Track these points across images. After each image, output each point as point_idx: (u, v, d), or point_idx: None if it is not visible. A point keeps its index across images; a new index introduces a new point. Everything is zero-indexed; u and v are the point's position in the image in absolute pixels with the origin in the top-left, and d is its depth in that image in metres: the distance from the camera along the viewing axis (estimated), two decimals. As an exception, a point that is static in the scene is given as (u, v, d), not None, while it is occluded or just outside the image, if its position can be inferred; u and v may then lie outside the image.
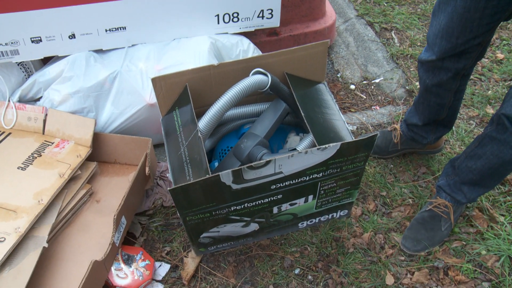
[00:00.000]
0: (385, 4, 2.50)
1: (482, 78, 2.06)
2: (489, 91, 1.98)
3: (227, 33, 1.66)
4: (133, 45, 1.60)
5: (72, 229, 1.38)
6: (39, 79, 1.53)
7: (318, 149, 1.05)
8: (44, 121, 1.51)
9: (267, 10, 1.64)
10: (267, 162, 1.03)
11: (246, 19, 1.64)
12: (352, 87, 2.07)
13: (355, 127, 1.86)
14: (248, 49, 1.65)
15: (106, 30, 1.53)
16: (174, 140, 1.22)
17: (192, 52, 1.56)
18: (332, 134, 1.18)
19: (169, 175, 1.40)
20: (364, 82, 2.10)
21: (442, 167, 1.67)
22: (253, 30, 1.69)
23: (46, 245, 1.22)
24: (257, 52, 1.68)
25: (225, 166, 1.25)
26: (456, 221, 1.49)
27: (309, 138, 1.25)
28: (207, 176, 1.00)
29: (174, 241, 1.47)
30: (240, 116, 1.40)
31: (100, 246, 1.32)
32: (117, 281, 1.30)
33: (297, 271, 1.40)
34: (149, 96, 1.51)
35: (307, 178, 1.15)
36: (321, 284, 1.37)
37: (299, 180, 1.15)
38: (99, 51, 1.58)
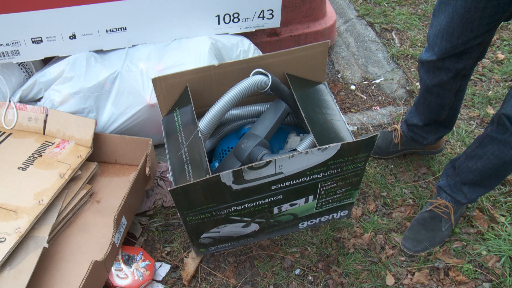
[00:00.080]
0: (386, 5, 2.50)
1: (483, 78, 2.06)
2: (490, 92, 1.98)
3: (227, 33, 1.66)
4: (133, 46, 1.61)
5: (72, 230, 1.38)
6: (39, 80, 1.53)
7: (318, 149, 1.05)
8: (45, 121, 1.51)
9: (268, 10, 1.64)
10: (268, 163, 1.03)
11: (246, 19, 1.64)
12: (353, 87, 2.07)
13: (356, 127, 1.86)
14: (248, 50, 1.65)
15: (106, 31, 1.53)
16: (174, 141, 1.22)
17: (193, 52, 1.56)
18: (332, 135, 1.18)
19: (169, 176, 1.40)
20: (365, 82, 2.10)
21: (442, 168, 1.67)
22: (254, 30, 1.69)
23: (46, 245, 1.22)
24: (258, 53, 1.68)
25: (225, 167, 1.25)
26: (457, 221, 1.49)
27: (309, 139, 1.25)
28: (208, 176, 1.00)
29: (174, 241, 1.47)
30: (240, 116, 1.40)
31: (101, 247, 1.32)
32: (117, 281, 1.30)
33: (297, 271, 1.40)
34: (150, 96, 1.51)
35: (308, 179, 1.15)
36: (321, 284, 1.37)
37: (300, 180, 1.15)
38: (99, 52, 1.59)
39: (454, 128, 1.80)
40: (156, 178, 1.60)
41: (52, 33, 1.48)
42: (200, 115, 1.26)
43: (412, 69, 2.11)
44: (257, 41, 1.86)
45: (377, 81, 2.09)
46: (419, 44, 2.24)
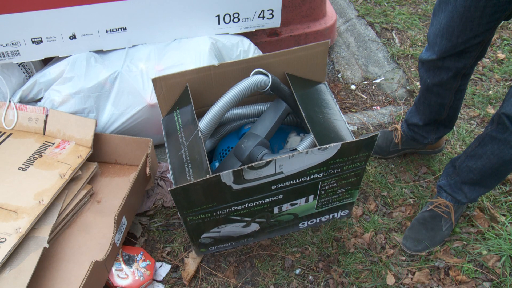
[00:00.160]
0: (386, 4, 2.50)
1: (483, 78, 2.06)
2: (490, 91, 1.98)
3: (227, 33, 1.66)
4: (133, 46, 1.61)
5: (72, 230, 1.38)
6: (39, 80, 1.53)
7: (318, 149, 1.05)
8: (45, 121, 1.51)
9: (268, 10, 1.64)
10: (268, 162, 1.03)
11: (246, 19, 1.64)
12: (353, 87, 2.07)
13: (356, 127, 1.86)
14: (248, 50, 1.65)
15: (106, 31, 1.53)
16: (174, 141, 1.22)
17: (193, 52, 1.56)
18: (332, 134, 1.18)
19: (169, 176, 1.40)
20: (365, 82, 2.10)
21: (443, 167, 1.67)
22: (254, 30, 1.69)
23: (46, 245, 1.22)
24: (258, 53, 1.68)
25: (225, 167, 1.25)
26: (457, 221, 1.49)
27: (309, 138, 1.25)
28: (208, 176, 1.00)
29: (174, 241, 1.47)
30: (240, 116, 1.40)
31: (101, 247, 1.32)
32: (117, 281, 1.30)
33: (298, 271, 1.40)
34: (150, 96, 1.51)
35: (308, 178, 1.15)
36: (322, 284, 1.37)
37: (300, 180, 1.14)
38: (99, 52, 1.59)
39: (454, 127, 1.79)
40: (157, 178, 1.60)
41: (52, 33, 1.48)
42: (200, 115, 1.26)
43: (412, 69, 2.11)
44: (257, 41, 1.86)
45: (378, 80, 2.09)
46: (419, 44, 2.24)
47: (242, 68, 1.29)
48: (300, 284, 1.37)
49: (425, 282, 1.36)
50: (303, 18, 1.96)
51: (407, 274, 1.39)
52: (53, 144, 1.48)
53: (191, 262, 1.40)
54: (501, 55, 2.16)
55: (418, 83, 2.01)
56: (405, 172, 1.67)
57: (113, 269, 1.31)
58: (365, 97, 2.02)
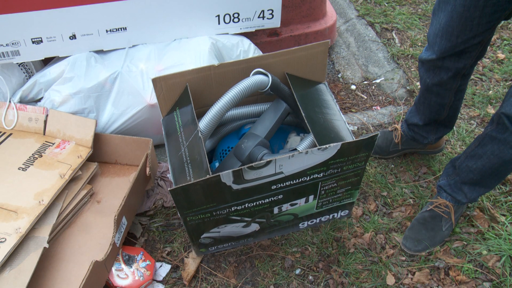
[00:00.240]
0: (386, 4, 2.50)
1: (483, 78, 2.06)
2: (490, 91, 1.98)
3: (227, 33, 1.66)
4: (133, 46, 1.61)
5: (72, 230, 1.38)
6: (40, 80, 1.53)
7: (318, 149, 1.05)
8: (45, 121, 1.51)
9: (268, 10, 1.64)
10: (268, 162, 1.03)
11: (246, 19, 1.64)
12: (353, 87, 2.07)
13: (356, 127, 1.86)
14: (248, 50, 1.65)
15: (106, 31, 1.53)
16: (174, 141, 1.22)
17: (193, 52, 1.56)
18: (332, 134, 1.18)
19: (169, 176, 1.40)
20: (365, 82, 2.10)
21: (443, 167, 1.67)
22: (254, 30, 1.69)
23: (46, 245, 1.22)
24: (258, 53, 1.68)
25: (225, 167, 1.25)
26: (457, 221, 1.49)
27: (309, 138, 1.25)
28: (208, 176, 1.00)
29: (174, 241, 1.47)
30: (240, 116, 1.40)
31: (101, 247, 1.32)
32: (117, 281, 1.30)
33: (298, 271, 1.40)
34: (150, 96, 1.51)
35: (308, 178, 1.15)
36: (322, 284, 1.37)
37: (300, 180, 1.14)
38: (99, 52, 1.59)
39: (454, 127, 1.79)
40: (157, 178, 1.60)
41: (52, 34, 1.48)
42: (200, 115, 1.26)
43: (412, 69, 2.11)
44: (257, 41, 1.86)
45: (378, 80, 2.09)
46: (420, 44, 2.24)
47: (242, 68, 1.29)
48: (300, 284, 1.37)
49: (425, 282, 1.36)
50: (303, 18, 1.96)
51: (407, 274, 1.39)
52: (53, 144, 1.48)
53: (191, 262, 1.40)
54: (501, 55, 2.16)
55: (418, 83, 2.01)
56: (405, 172, 1.67)
57: (113, 269, 1.31)
58: (365, 97, 2.02)
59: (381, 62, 2.16)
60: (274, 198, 1.18)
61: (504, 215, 1.52)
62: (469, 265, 1.39)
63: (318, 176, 1.16)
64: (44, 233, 1.25)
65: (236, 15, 1.62)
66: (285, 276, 1.38)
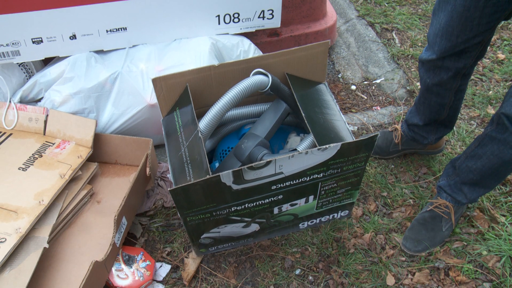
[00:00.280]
0: (386, 5, 2.50)
1: (483, 78, 2.06)
2: (490, 92, 1.98)
3: (227, 33, 1.66)
4: (134, 46, 1.61)
5: (72, 230, 1.38)
6: (40, 80, 1.53)
7: (318, 149, 1.05)
8: (45, 121, 1.51)
9: (268, 10, 1.64)
10: (268, 163, 1.03)
11: (246, 19, 1.64)
12: (353, 87, 2.07)
13: (356, 127, 1.86)
14: (248, 50, 1.65)
15: (107, 31, 1.53)
16: (174, 141, 1.22)
17: (193, 52, 1.56)
18: (332, 135, 1.18)
19: (169, 176, 1.40)
20: (365, 82, 2.10)
21: (443, 168, 1.67)
22: (254, 30, 1.69)
23: (46, 245, 1.22)
24: (258, 53, 1.68)
25: (225, 167, 1.25)
26: (457, 221, 1.49)
27: (309, 139, 1.25)
28: (208, 176, 1.00)
29: (174, 241, 1.47)
30: (240, 116, 1.40)
31: (101, 247, 1.32)
32: (117, 281, 1.30)
33: (297, 271, 1.40)
34: (150, 96, 1.51)
35: (308, 179, 1.15)
36: (321, 284, 1.37)
37: (300, 180, 1.14)
38: (100, 52, 1.59)
39: (454, 128, 1.79)
40: (157, 178, 1.60)
41: (52, 34, 1.48)
42: (200, 115, 1.26)
43: (412, 69, 2.11)
44: (258, 41, 1.86)
45: (378, 81, 2.09)
46: (420, 44, 2.24)
47: (242, 68, 1.29)
48: (300, 284, 1.37)
49: (425, 283, 1.36)
50: (303, 18, 1.96)
51: (407, 275, 1.39)
52: (53, 144, 1.49)
53: (191, 263, 1.40)
54: (501, 56, 2.16)
55: (418, 84, 2.01)
56: (405, 173, 1.67)
57: (113, 269, 1.31)
58: (365, 98, 2.02)
59: (381, 62, 2.16)
60: (274, 198, 1.18)
61: (504, 216, 1.52)
62: (469, 266, 1.39)
63: (318, 176, 1.16)
64: (44, 233, 1.25)
65: (236, 15, 1.62)
66: (285, 276, 1.38)
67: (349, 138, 1.19)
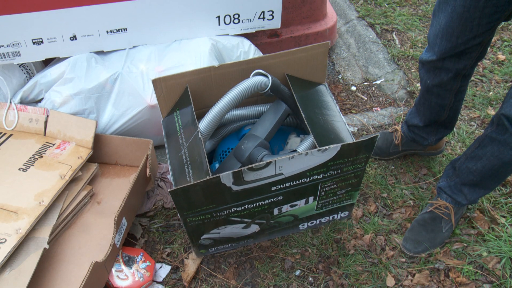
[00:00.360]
0: (386, 6, 2.50)
1: (483, 79, 2.06)
2: (490, 92, 1.98)
3: (228, 34, 1.66)
4: (134, 47, 1.61)
5: (73, 231, 1.38)
6: (40, 81, 1.53)
7: (318, 150, 1.05)
8: (46, 122, 1.51)
9: (268, 11, 1.64)
10: (268, 164, 1.03)
11: (247, 20, 1.65)
12: (353, 88, 2.07)
13: (356, 128, 1.86)
14: (249, 51, 1.65)
15: (107, 32, 1.53)
16: (174, 142, 1.22)
17: (193, 53, 1.56)
18: (332, 136, 1.18)
19: (169, 177, 1.40)
20: (365, 83, 2.10)
21: (443, 169, 1.67)
22: (254, 31, 1.69)
23: (47, 246, 1.22)
24: (258, 54, 1.68)
25: (225, 168, 1.25)
26: (457, 222, 1.48)
27: (309, 140, 1.25)
28: (208, 177, 1.00)
29: (174, 242, 1.47)
30: (240, 117, 1.40)
31: (101, 248, 1.32)
32: (117, 282, 1.30)
33: (297, 272, 1.40)
34: (150, 97, 1.51)
35: (308, 180, 1.15)
36: (321, 285, 1.36)
37: (300, 181, 1.15)
38: (100, 53, 1.59)
39: (454, 129, 1.79)
40: (157, 179, 1.60)
41: (52, 34, 1.49)
42: (200, 116, 1.26)
43: (412, 70, 2.11)
44: (258, 42, 1.86)
45: (378, 82, 2.09)
46: (420, 45, 2.24)
47: (242, 69, 1.29)
48: (300, 285, 1.37)
49: (425, 284, 1.36)
50: (304, 19, 1.96)
51: (407, 276, 1.39)
52: (54, 145, 1.49)
53: (191, 263, 1.40)
54: (501, 56, 2.16)
55: (418, 84, 2.01)
56: (405, 174, 1.67)
57: (113, 270, 1.31)
58: (365, 98, 2.02)
59: (381, 63, 2.16)
60: (274, 199, 1.18)
61: (504, 217, 1.52)
62: (469, 267, 1.39)
63: (318, 177, 1.16)
64: (44, 233, 1.25)
65: (236, 16, 1.62)
66: (285, 277, 1.38)
67: (349, 139, 1.19)
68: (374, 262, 1.42)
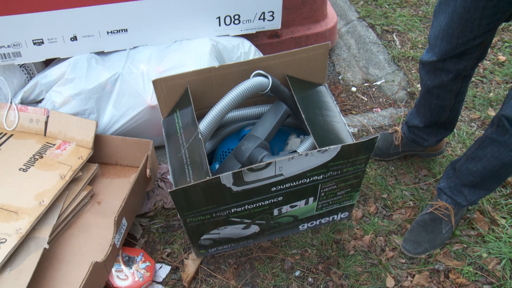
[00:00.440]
0: (387, 6, 2.50)
1: (484, 80, 2.06)
2: (491, 94, 1.98)
3: (228, 35, 1.66)
4: (134, 47, 1.61)
5: (73, 231, 1.38)
6: (41, 81, 1.53)
7: (318, 151, 1.05)
8: (46, 122, 1.51)
9: (269, 12, 1.64)
10: (268, 164, 1.03)
11: (247, 21, 1.65)
12: (353, 89, 2.08)
13: (356, 129, 1.86)
14: (249, 51, 1.65)
15: (107, 32, 1.53)
16: (175, 142, 1.22)
17: (194, 54, 1.56)
18: (332, 136, 1.18)
19: (169, 177, 1.40)
20: (366, 84, 2.10)
21: (443, 170, 1.67)
22: (254, 32, 1.69)
23: (47, 246, 1.22)
24: (258, 54, 1.68)
25: (225, 168, 1.25)
26: (457, 223, 1.48)
27: (309, 140, 1.25)
28: (208, 178, 1.00)
29: (174, 242, 1.47)
30: (241, 118, 1.40)
31: (101, 248, 1.32)
32: (117, 282, 1.30)
33: (297, 273, 1.40)
34: (150, 98, 1.51)
35: (308, 180, 1.15)
36: (321, 286, 1.36)
37: (300, 182, 1.15)
38: (100, 53, 1.59)
39: (455, 130, 1.79)
40: (157, 179, 1.60)
41: (53, 35, 1.49)
42: (200, 117, 1.26)
43: (413, 71, 2.11)
44: (258, 42, 1.86)
45: (378, 83, 2.09)
46: (420, 46, 2.24)
47: (243, 70, 1.29)
48: (300, 286, 1.37)
49: (425, 285, 1.36)
50: (304, 20, 1.96)
51: (407, 277, 1.39)
52: (54, 145, 1.49)
53: (191, 264, 1.40)
54: (502, 57, 2.16)
55: (418, 85, 2.01)
56: (405, 175, 1.67)
57: (113, 270, 1.31)
58: (366, 99, 2.02)
59: (381, 64, 2.16)
60: (274, 200, 1.18)
61: (504, 218, 1.51)
62: (469, 268, 1.39)
63: (318, 178, 1.16)
64: (44, 233, 1.26)
65: (236, 17, 1.62)
66: (284, 278, 1.38)
67: (349, 140, 1.19)
68: (374, 263, 1.42)
